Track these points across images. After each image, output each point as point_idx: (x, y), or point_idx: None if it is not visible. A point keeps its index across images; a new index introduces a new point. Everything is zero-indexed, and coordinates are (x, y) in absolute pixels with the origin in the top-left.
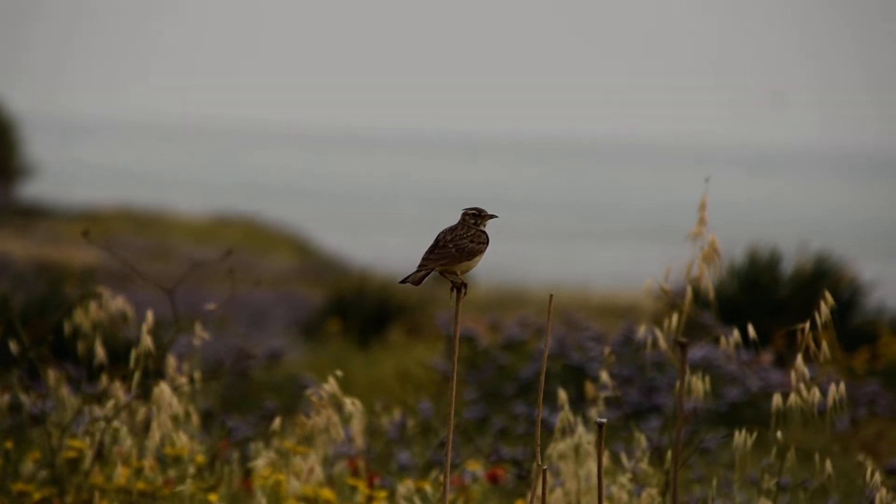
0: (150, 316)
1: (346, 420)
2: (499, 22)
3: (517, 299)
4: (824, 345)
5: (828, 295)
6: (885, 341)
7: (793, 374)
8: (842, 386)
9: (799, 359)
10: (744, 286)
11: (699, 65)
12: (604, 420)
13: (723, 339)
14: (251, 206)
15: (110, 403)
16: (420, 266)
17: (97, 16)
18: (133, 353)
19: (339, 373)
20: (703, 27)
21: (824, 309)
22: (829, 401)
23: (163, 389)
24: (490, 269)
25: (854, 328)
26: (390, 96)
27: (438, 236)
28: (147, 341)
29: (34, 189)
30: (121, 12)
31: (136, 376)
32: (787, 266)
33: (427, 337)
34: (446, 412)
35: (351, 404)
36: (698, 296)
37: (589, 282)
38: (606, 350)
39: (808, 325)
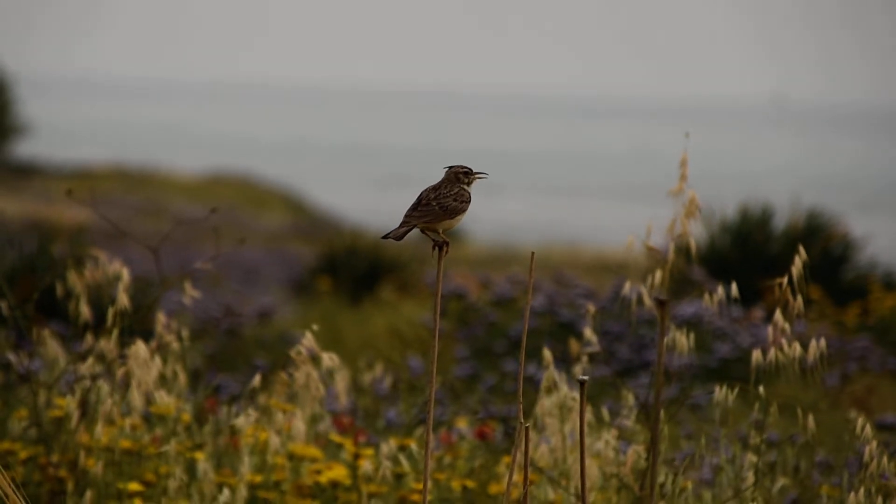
0: (124, 273)
1: (331, 377)
2: None
3: (509, 257)
4: (799, 300)
5: (803, 251)
6: (877, 296)
7: (770, 330)
8: (822, 341)
9: (778, 313)
10: (736, 242)
11: (698, 23)
12: (585, 377)
13: (706, 296)
14: (245, 163)
15: (89, 361)
16: (402, 223)
17: None
18: (110, 311)
19: (315, 327)
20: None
21: (798, 263)
22: (811, 356)
23: (139, 347)
24: (482, 226)
25: (846, 283)
26: (387, 51)
27: (421, 194)
28: (123, 299)
29: (27, 147)
30: None
31: (114, 334)
32: (779, 222)
33: (417, 294)
34: (432, 368)
35: (328, 359)
36: (687, 252)
37: (581, 239)
38: (590, 307)
39: (785, 280)
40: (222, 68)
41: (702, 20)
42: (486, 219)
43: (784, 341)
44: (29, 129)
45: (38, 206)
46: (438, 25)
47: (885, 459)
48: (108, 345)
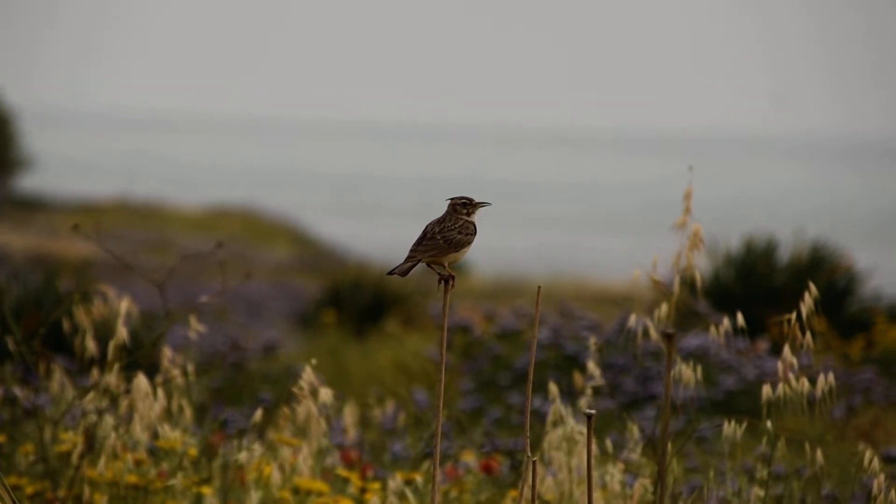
0: (123, 307)
1: (338, 411)
2: (496, 10)
3: (513, 289)
4: (808, 335)
5: (812, 286)
6: (881, 329)
7: (780, 364)
8: (831, 375)
9: (786, 348)
10: (740, 274)
11: (699, 55)
12: (593, 411)
13: (713, 328)
14: (250, 197)
15: (90, 396)
16: (408, 258)
17: (97, 11)
18: (111, 345)
19: (314, 361)
20: (696, 16)
21: (808, 299)
22: (819, 390)
23: (140, 381)
24: (487, 258)
25: (850, 316)
26: (388, 86)
27: (426, 227)
28: (122, 333)
29: (32, 182)
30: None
31: (115, 367)
32: (784, 254)
33: (422, 327)
34: (438, 403)
35: (325, 395)
36: (692, 285)
37: (586, 271)
38: (592, 340)
39: (794, 315)
40: (222, 100)
41: (704, 48)
42: (489, 250)
43: (792, 376)
44: (33, 162)
45: (42, 241)
46: (431, 57)
47: (892, 493)
48: (112, 379)
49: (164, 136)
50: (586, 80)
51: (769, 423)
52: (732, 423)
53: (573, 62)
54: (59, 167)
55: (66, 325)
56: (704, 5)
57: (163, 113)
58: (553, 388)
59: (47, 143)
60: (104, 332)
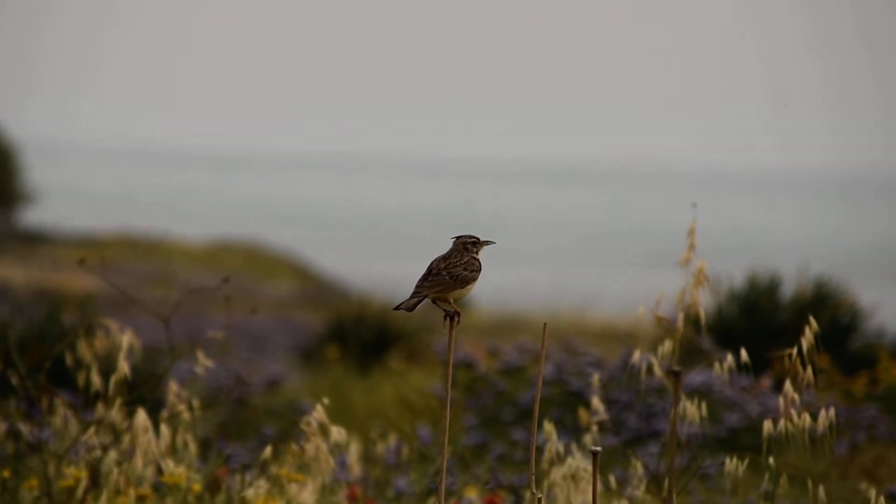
0: (125, 341)
1: (342, 447)
2: (494, 41)
3: (516, 324)
4: (808, 371)
5: (813, 321)
6: (885, 365)
7: (781, 401)
8: (832, 411)
9: (788, 384)
10: (744, 310)
11: (695, 88)
12: (598, 448)
13: (717, 365)
14: (252, 231)
15: (91, 430)
16: (414, 293)
17: (98, 41)
18: (112, 380)
19: (326, 400)
20: (694, 51)
21: (809, 334)
22: (820, 426)
23: (140, 416)
24: (489, 294)
25: (854, 352)
26: (389, 121)
27: (432, 264)
28: (124, 367)
29: (35, 215)
30: (121, 40)
31: (118, 402)
32: (787, 290)
33: (426, 363)
34: (443, 439)
35: (337, 433)
36: (695, 321)
37: (588, 307)
38: (595, 377)
39: (795, 350)
40: (224, 135)
41: (705, 83)
42: (492, 285)
43: (794, 412)
44: (36, 196)
45: (45, 274)
46: (440, 94)
47: None
48: (116, 414)
49: (165, 169)
50: (587, 111)
51: (771, 460)
52: (734, 459)
53: (569, 92)
54: (60, 200)
55: (69, 360)
56: (701, 32)
57: (163, 146)
58: (548, 426)
59: (48, 175)
60: (109, 366)
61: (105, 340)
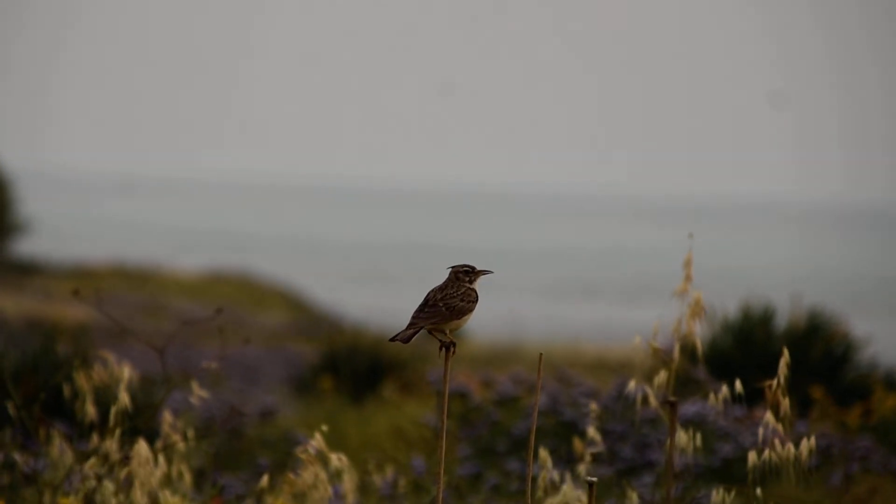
0: (125, 373)
1: (337, 477)
2: (484, 74)
3: (510, 355)
4: (785, 402)
5: (786, 352)
6: (879, 396)
7: (760, 431)
8: (812, 440)
9: (768, 415)
10: (738, 341)
11: (684, 120)
12: (594, 479)
13: (711, 395)
14: (245, 261)
15: (90, 462)
16: (410, 324)
17: (79, 68)
18: (112, 411)
19: (324, 428)
20: (677, 84)
21: (783, 365)
22: (803, 454)
23: (140, 447)
24: (483, 324)
25: (847, 383)
26: (382, 150)
27: (428, 295)
28: (124, 399)
29: (27, 245)
30: (104, 66)
31: (116, 433)
32: (781, 321)
33: (419, 393)
34: (437, 469)
35: (337, 460)
36: (690, 351)
37: (582, 337)
38: (593, 406)
39: (774, 382)
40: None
41: (693, 112)
42: (486, 317)
43: (777, 442)
44: (29, 227)
45: (38, 305)
46: (434, 122)
47: None
48: (111, 445)
49: (156, 200)
50: (575, 142)
51: (759, 491)
52: (721, 491)
53: (563, 123)
54: (52, 231)
55: (66, 391)
56: (698, 60)
57: (152, 178)
58: (543, 453)
59: (41, 207)
60: (103, 396)
61: (103, 372)
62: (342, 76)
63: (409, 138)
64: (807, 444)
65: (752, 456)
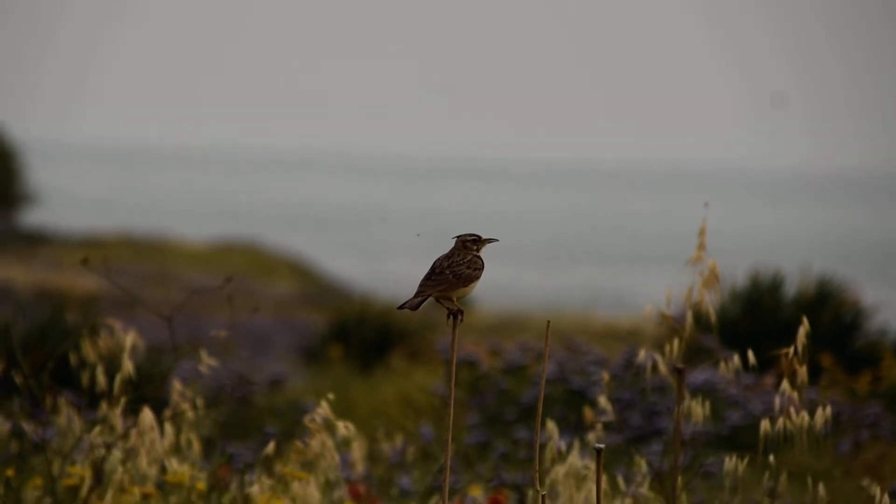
0: (128, 341)
1: (345, 445)
2: (501, 40)
3: (518, 324)
4: (804, 369)
5: (805, 321)
6: (888, 364)
7: (777, 399)
8: (829, 409)
9: (785, 382)
10: (746, 310)
11: (696, 88)
12: (602, 446)
13: (722, 364)
14: (253, 231)
15: (97, 430)
16: (417, 292)
17: (99, 46)
18: (117, 379)
19: (332, 396)
20: (693, 49)
21: (801, 333)
22: (818, 423)
23: (146, 415)
24: (492, 293)
25: (857, 351)
26: (390, 120)
27: (435, 263)
28: (128, 367)
29: (36, 216)
30: (117, 43)
31: (122, 401)
32: (790, 289)
33: (428, 362)
34: (446, 437)
35: (344, 428)
36: (700, 320)
37: (591, 306)
38: (604, 375)
39: (791, 349)
40: (224, 135)
41: (699, 82)
42: (494, 284)
43: (792, 410)
44: (37, 197)
45: (47, 275)
46: (427, 96)
47: None
48: (117, 413)
49: (166, 170)
50: (585, 112)
51: (772, 458)
52: (734, 458)
53: (568, 91)
54: (62, 202)
55: (73, 360)
56: (700, 34)
57: (162, 147)
58: (551, 424)
59: (50, 177)
60: (112, 365)
61: (110, 340)
62: (356, 38)
63: (423, 108)
64: (822, 413)
65: (765, 424)
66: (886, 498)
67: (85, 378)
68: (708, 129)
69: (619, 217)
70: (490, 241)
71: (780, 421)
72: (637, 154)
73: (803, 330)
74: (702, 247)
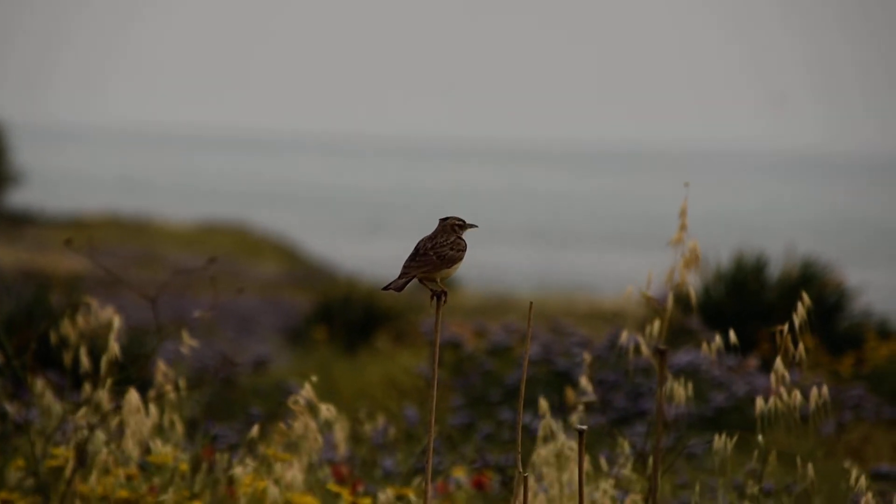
0: (115, 322)
1: (328, 426)
2: (489, 24)
3: (503, 305)
4: (801, 347)
5: (805, 296)
6: (871, 345)
7: (772, 378)
8: (824, 389)
9: (778, 362)
10: (731, 291)
11: (686, 69)
12: (584, 427)
13: (704, 345)
14: (240, 213)
15: (82, 411)
16: (402, 273)
17: (75, 25)
18: (103, 360)
19: (315, 378)
20: (687, 30)
21: (801, 311)
22: (812, 404)
23: (132, 396)
24: (476, 274)
25: (840, 332)
26: (378, 102)
27: (419, 244)
28: (114, 348)
29: (21, 196)
30: (99, 21)
31: (108, 383)
32: (774, 271)
33: (413, 343)
34: (430, 418)
35: (326, 410)
36: (683, 301)
37: (576, 287)
38: (586, 355)
39: (786, 327)
40: (209, 115)
41: (691, 62)
42: (479, 265)
43: (783, 390)
44: (22, 177)
45: (32, 255)
46: (431, 75)
47: None
48: (104, 394)
49: (152, 151)
50: (575, 93)
51: (760, 438)
52: (723, 438)
53: (556, 74)
54: (49, 183)
55: (53, 339)
56: (694, 19)
57: (150, 128)
58: (543, 402)
59: (36, 158)
60: (94, 346)
61: (88, 319)
62: (340, 19)
63: (409, 88)
64: (816, 394)
65: (759, 403)
66: (864, 480)
67: (67, 357)
68: (695, 110)
69: (607, 198)
70: (470, 226)
71: (772, 401)
72: (628, 135)
73: (802, 307)
74: (683, 227)
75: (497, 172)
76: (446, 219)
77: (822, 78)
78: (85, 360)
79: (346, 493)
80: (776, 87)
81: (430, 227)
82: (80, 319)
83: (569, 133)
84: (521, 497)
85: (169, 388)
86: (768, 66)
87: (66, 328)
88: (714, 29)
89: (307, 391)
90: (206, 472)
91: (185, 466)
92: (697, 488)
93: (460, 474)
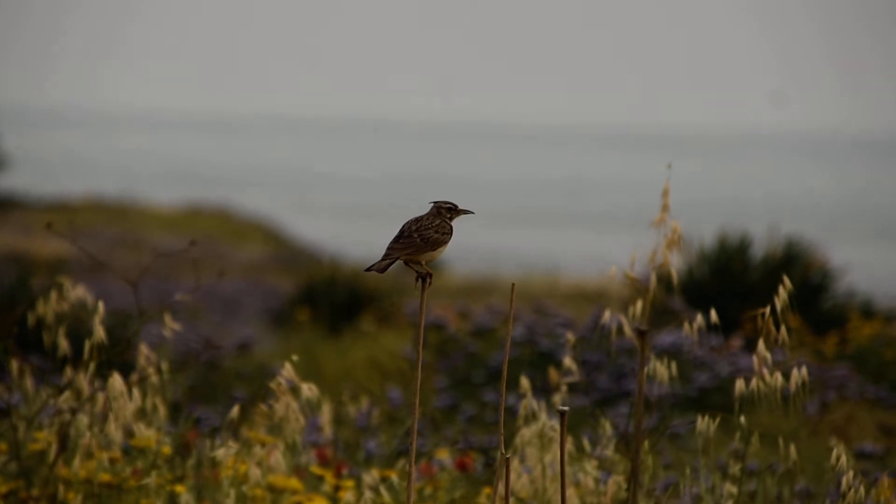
0: (100, 306)
1: (309, 407)
2: (487, 5)
3: (488, 286)
4: (783, 329)
5: (787, 280)
6: (855, 325)
7: (755, 359)
8: (804, 370)
9: (761, 343)
10: (714, 271)
11: (670, 53)
12: (566, 408)
13: (686, 325)
14: (223, 195)
15: (65, 395)
16: (385, 255)
17: (67, 10)
18: (87, 344)
19: (296, 358)
20: (684, 18)
21: (783, 293)
22: (792, 384)
23: (115, 380)
24: (461, 256)
25: (824, 312)
26: (368, 82)
27: (404, 226)
28: (100, 332)
29: (6, 181)
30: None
31: (91, 367)
32: (758, 251)
33: (397, 325)
34: (413, 400)
35: (308, 390)
36: (666, 281)
37: (559, 268)
38: (569, 336)
39: (768, 309)
40: (194, 98)
41: (681, 45)
42: (464, 248)
43: (766, 371)
44: (6, 161)
45: (16, 239)
46: (417, 55)
47: (862, 489)
48: (85, 378)
49: (136, 134)
50: (571, 75)
51: (742, 419)
52: (706, 418)
53: (553, 58)
54: (32, 166)
55: (31, 321)
56: (695, 4)
57: (134, 111)
58: (525, 382)
59: (19, 142)
60: (77, 329)
61: (62, 300)
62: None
63: (404, 70)
64: (797, 375)
65: (739, 384)
66: (846, 459)
67: (47, 339)
68: (687, 90)
69: (589, 178)
70: (464, 212)
71: (754, 381)
72: (615, 116)
73: (784, 290)
74: (665, 208)
75: (486, 153)
76: (438, 202)
77: (803, 56)
78: (63, 343)
79: (329, 476)
80: (773, 86)
81: (418, 210)
82: (54, 300)
83: (557, 114)
84: (503, 478)
85: (152, 371)
86: (793, 51)
87: (42, 309)
88: (713, 14)
89: (288, 371)
90: (190, 456)
91: (167, 450)
92: (688, 471)
93: (444, 456)
